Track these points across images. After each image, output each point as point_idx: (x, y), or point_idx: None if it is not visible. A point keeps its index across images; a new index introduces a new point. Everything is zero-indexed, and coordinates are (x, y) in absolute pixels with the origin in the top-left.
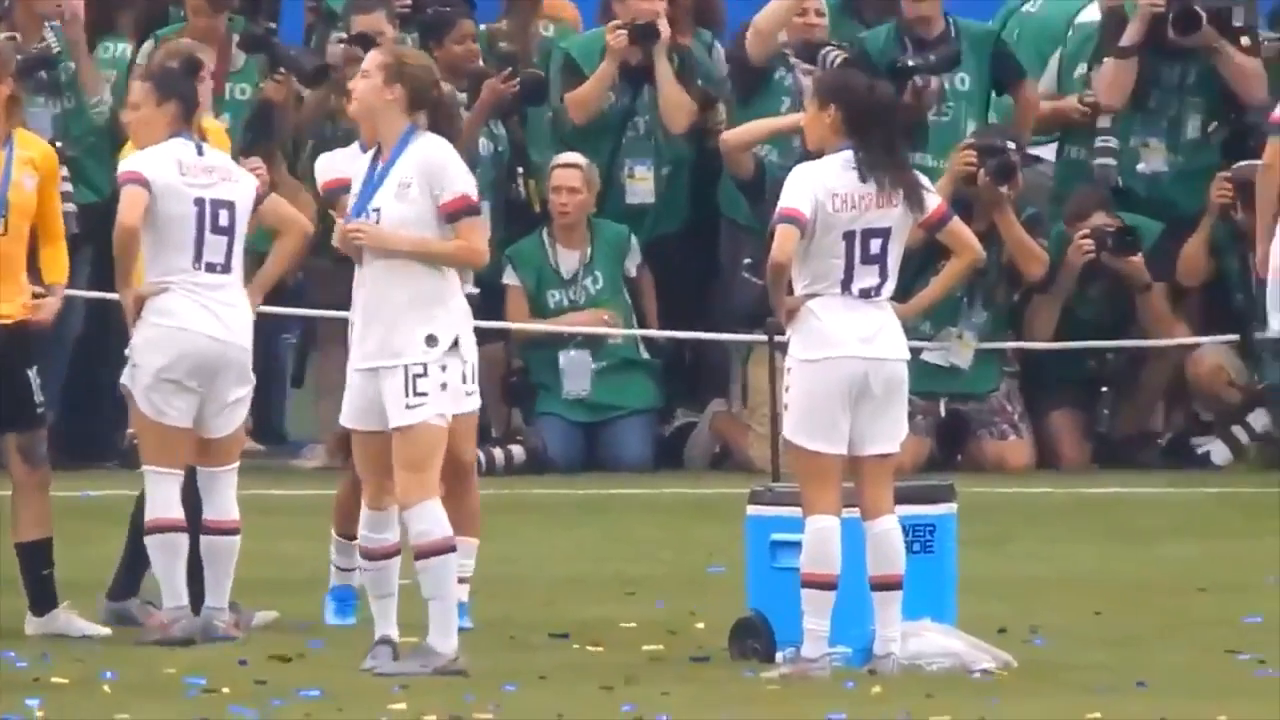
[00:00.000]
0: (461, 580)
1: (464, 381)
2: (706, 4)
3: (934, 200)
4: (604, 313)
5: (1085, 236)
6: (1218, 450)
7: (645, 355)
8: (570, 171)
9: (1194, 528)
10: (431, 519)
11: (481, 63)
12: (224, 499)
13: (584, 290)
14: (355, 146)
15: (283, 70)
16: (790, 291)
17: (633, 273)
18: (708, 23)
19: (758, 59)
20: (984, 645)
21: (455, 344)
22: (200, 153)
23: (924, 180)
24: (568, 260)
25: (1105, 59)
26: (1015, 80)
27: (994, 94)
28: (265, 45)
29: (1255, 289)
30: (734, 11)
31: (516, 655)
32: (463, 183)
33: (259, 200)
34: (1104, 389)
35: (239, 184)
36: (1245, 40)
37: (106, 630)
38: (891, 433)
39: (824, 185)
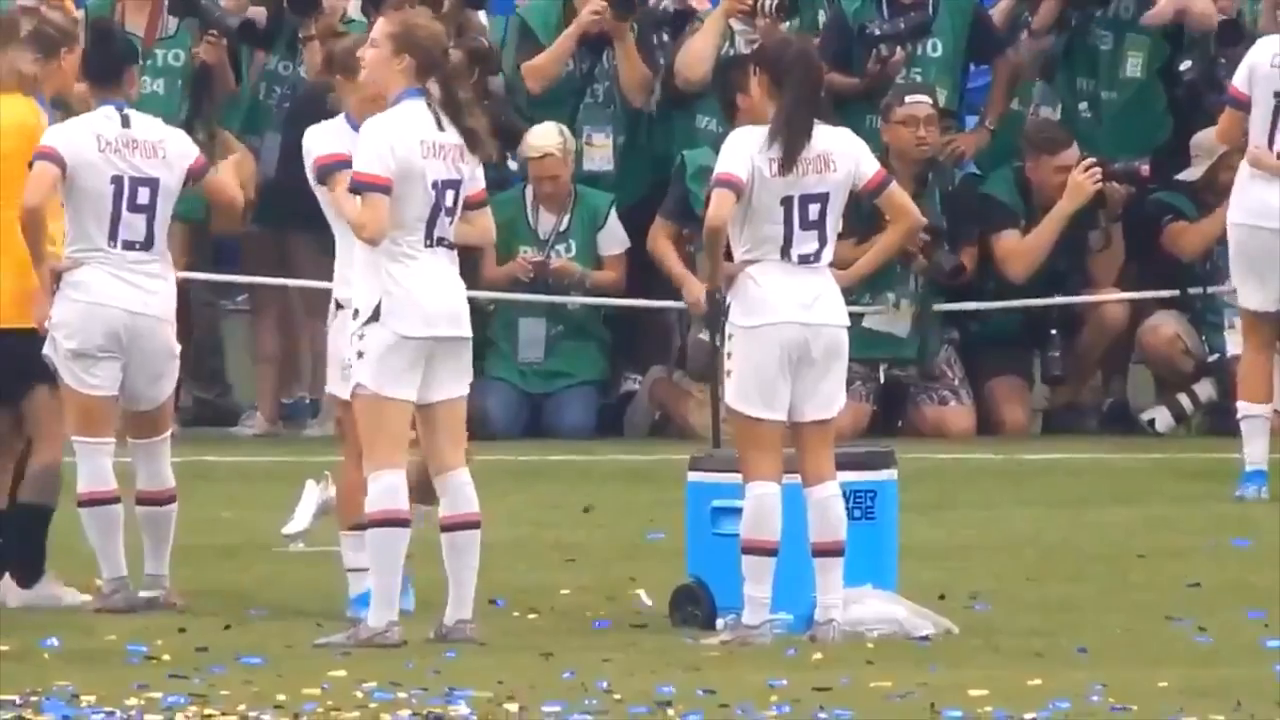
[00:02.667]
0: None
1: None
2: None
3: (871, 166)
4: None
5: (1091, 166)
6: (1162, 418)
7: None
8: (549, 160)
9: (1133, 494)
10: (374, 491)
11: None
12: (159, 468)
13: (555, 254)
14: (342, 120)
15: (214, 31)
16: (730, 258)
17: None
18: None
19: (690, 86)
20: (925, 611)
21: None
22: (126, 124)
23: (856, 146)
24: (546, 222)
25: None
26: (994, 51)
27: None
28: (194, 7)
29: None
30: None
31: None
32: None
33: (200, 174)
34: (1054, 331)
35: (166, 159)
36: None
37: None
38: (831, 398)
39: (761, 149)
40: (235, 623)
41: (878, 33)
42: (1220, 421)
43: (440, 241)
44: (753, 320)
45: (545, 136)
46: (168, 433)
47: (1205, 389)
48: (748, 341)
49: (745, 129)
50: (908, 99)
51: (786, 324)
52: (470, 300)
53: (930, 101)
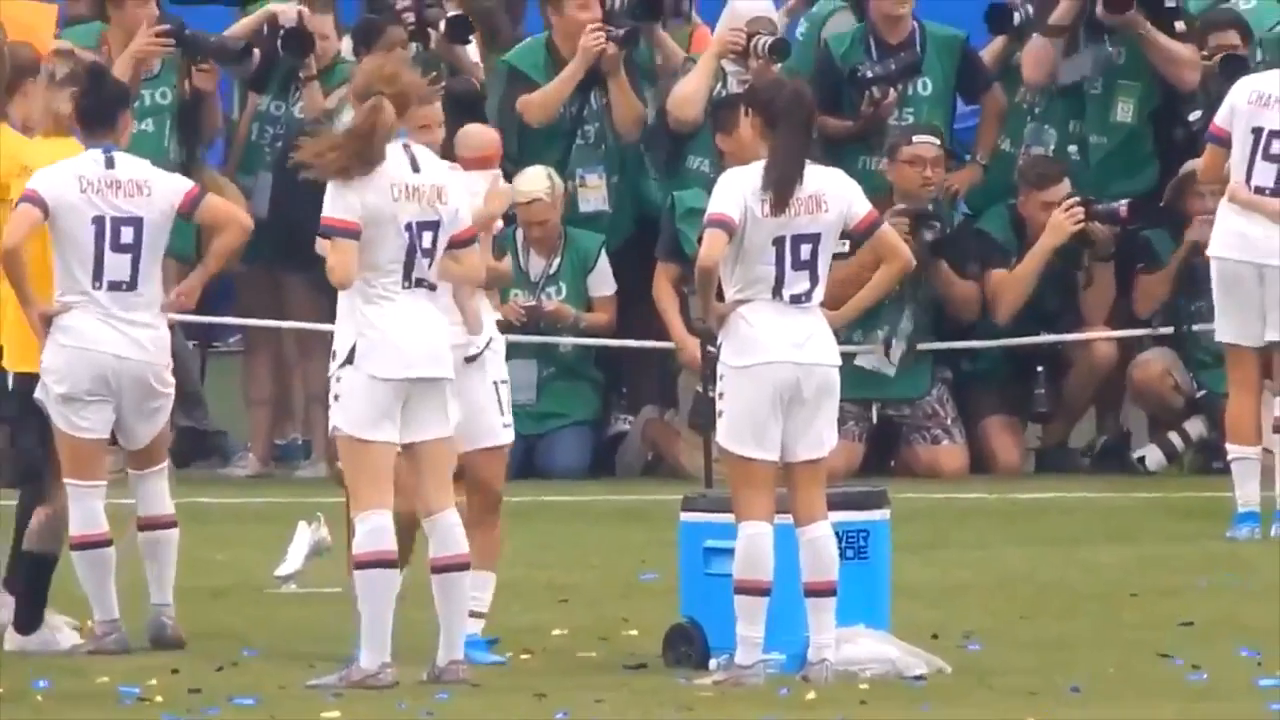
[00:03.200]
0: (475, 614)
1: (501, 413)
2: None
3: (863, 206)
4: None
5: (1074, 205)
6: (1153, 456)
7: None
8: (538, 206)
9: (1126, 533)
10: (361, 533)
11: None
12: (157, 497)
13: (546, 297)
14: None
15: (206, 60)
16: (721, 297)
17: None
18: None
19: (682, 126)
20: (918, 651)
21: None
22: (110, 165)
23: (848, 187)
24: (536, 265)
25: (1033, 35)
26: (983, 88)
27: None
28: (183, 38)
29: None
30: None
31: None
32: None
33: (194, 203)
34: (1039, 369)
35: (151, 198)
36: (1179, 25)
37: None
38: (822, 438)
39: (753, 190)
40: (228, 664)
41: (869, 75)
42: (1212, 458)
43: (420, 283)
44: (744, 360)
45: (533, 181)
46: (164, 462)
47: (1196, 426)
48: (739, 381)
49: (738, 169)
50: (915, 139)
51: (778, 364)
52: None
53: (938, 143)
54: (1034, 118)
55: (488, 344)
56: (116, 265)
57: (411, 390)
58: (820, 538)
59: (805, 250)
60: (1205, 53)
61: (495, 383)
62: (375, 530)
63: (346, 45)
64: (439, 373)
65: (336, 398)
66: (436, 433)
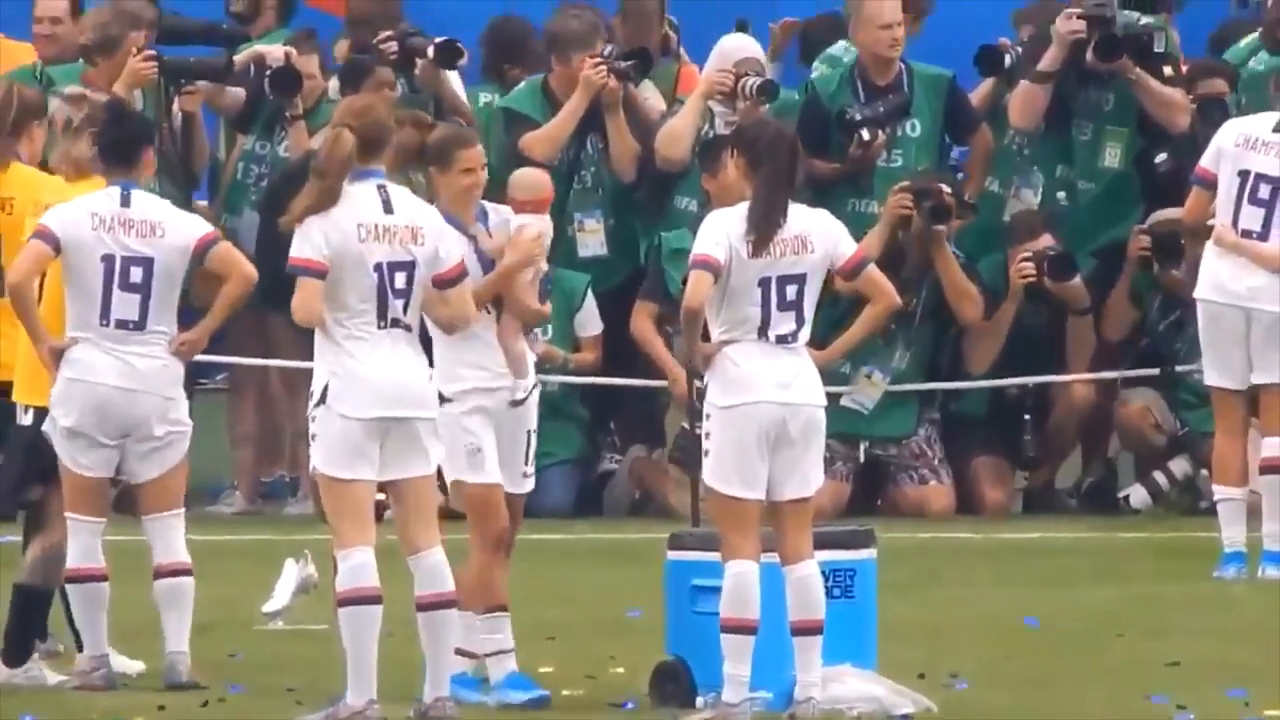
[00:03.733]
0: (503, 652)
1: (525, 462)
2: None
3: (849, 247)
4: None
5: (1025, 260)
6: (1137, 495)
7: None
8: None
9: (1113, 572)
10: (343, 570)
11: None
12: (173, 542)
13: (533, 337)
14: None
15: (190, 81)
16: (707, 338)
17: (592, 331)
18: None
19: (670, 166)
20: (904, 690)
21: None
22: (126, 203)
23: (833, 227)
24: None
25: (1020, 81)
26: (971, 128)
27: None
28: (164, 63)
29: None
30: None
31: None
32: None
33: (206, 247)
34: (1026, 416)
35: (164, 239)
36: (1167, 70)
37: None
38: (809, 478)
39: (738, 231)
40: (214, 700)
41: (857, 117)
42: (1198, 498)
43: (395, 324)
44: (731, 400)
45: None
46: (179, 509)
47: (1181, 465)
48: (726, 421)
49: (723, 211)
50: None
51: (764, 404)
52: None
53: (949, 189)
54: (1022, 159)
55: (534, 388)
56: (124, 304)
57: (389, 428)
58: (807, 576)
59: (791, 291)
60: (1191, 98)
61: (528, 431)
62: (357, 567)
63: (334, 86)
64: (416, 413)
65: (314, 437)
66: (416, 471)
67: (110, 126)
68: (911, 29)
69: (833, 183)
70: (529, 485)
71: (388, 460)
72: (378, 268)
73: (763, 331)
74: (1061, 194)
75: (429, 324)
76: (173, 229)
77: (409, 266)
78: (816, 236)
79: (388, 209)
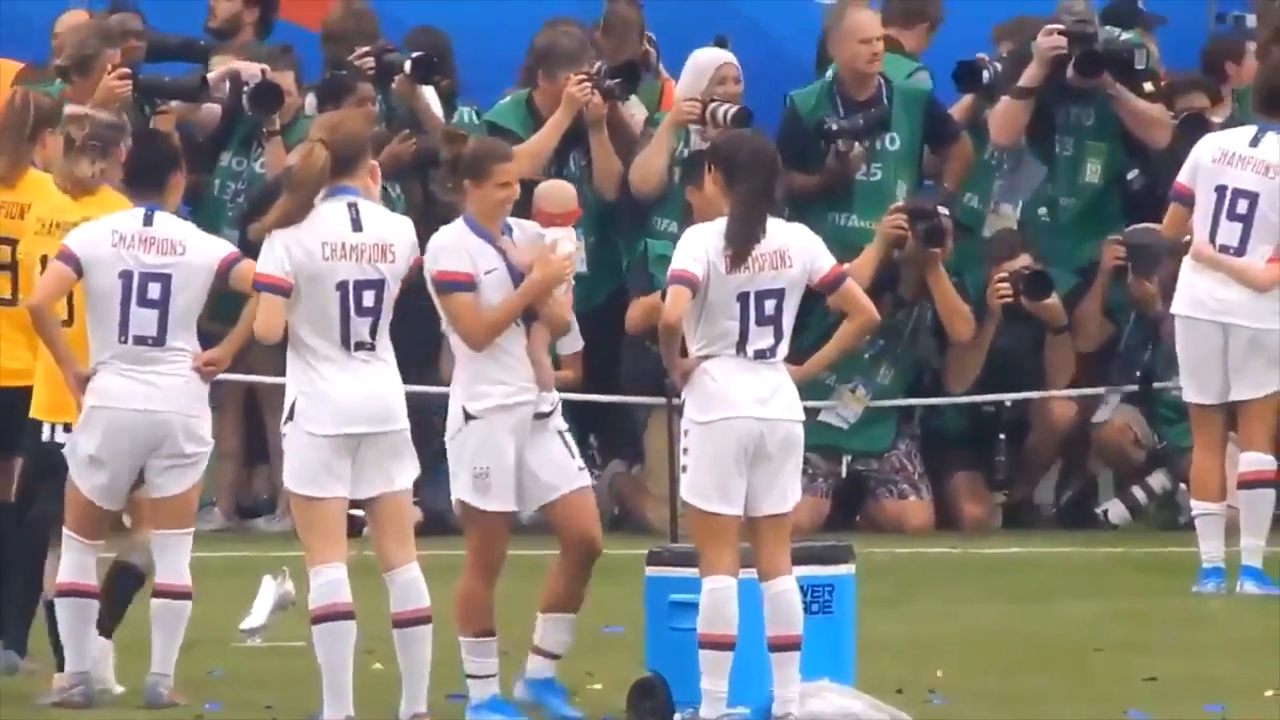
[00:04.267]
0: (552, 655)
1: (574, 456)
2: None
3: (827, 261)
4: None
5: (1002, 280)
6: (1115, 510)
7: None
8: None
9: (1092, 587)
10: (315, 587)
11: (385, 126)
12: (178, 562)
13: None
14: (462, 224)
15: (164, 101)
16: (685, 353)
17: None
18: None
19: (644, 197)
20: (883, 705)
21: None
22: (148, 222)
23: (811, 242)
24: None
25: (1001, 98)
26: (951, 139)
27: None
28: (138, 82)
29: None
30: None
31: None
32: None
33: (229, 266)
34: (1001, 436)
35: (184, 257)
36: (1148, 86)
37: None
38: (786, 493)
39: (716, 245)
40: (192, 717)
41: (835, 128)
42: (1177, 513)
43: (360, 346)
44: (708, 415)
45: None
46: (190, 529)
47: (1159, 479)
48: (704, 436)
49: (701, 225)
50: None
51: (742, 419)
52: (429, 397)
53: (946, 212)
54: (1002, 174)
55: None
56: (142, 320)
57: (360, 444)
58: (784, 592)
59: (769, 305)
60: (1173, 114)
61: (560, 432)
62: (329, 584)
63: (310, 102)
64: (385, 427)
65: (285, 454)
66: (388, 487)
67: (139, 151)
68: (921, 43)
69: (812, 196)
70: (586, 478)
71: (361, 476)
72: (341, 286)
73: (741, 346)
74: (1043, 210)
75: (451, 342)
76: (194, 248)
77: (378, 285)
78: (795, 251)
79: (357, 227)
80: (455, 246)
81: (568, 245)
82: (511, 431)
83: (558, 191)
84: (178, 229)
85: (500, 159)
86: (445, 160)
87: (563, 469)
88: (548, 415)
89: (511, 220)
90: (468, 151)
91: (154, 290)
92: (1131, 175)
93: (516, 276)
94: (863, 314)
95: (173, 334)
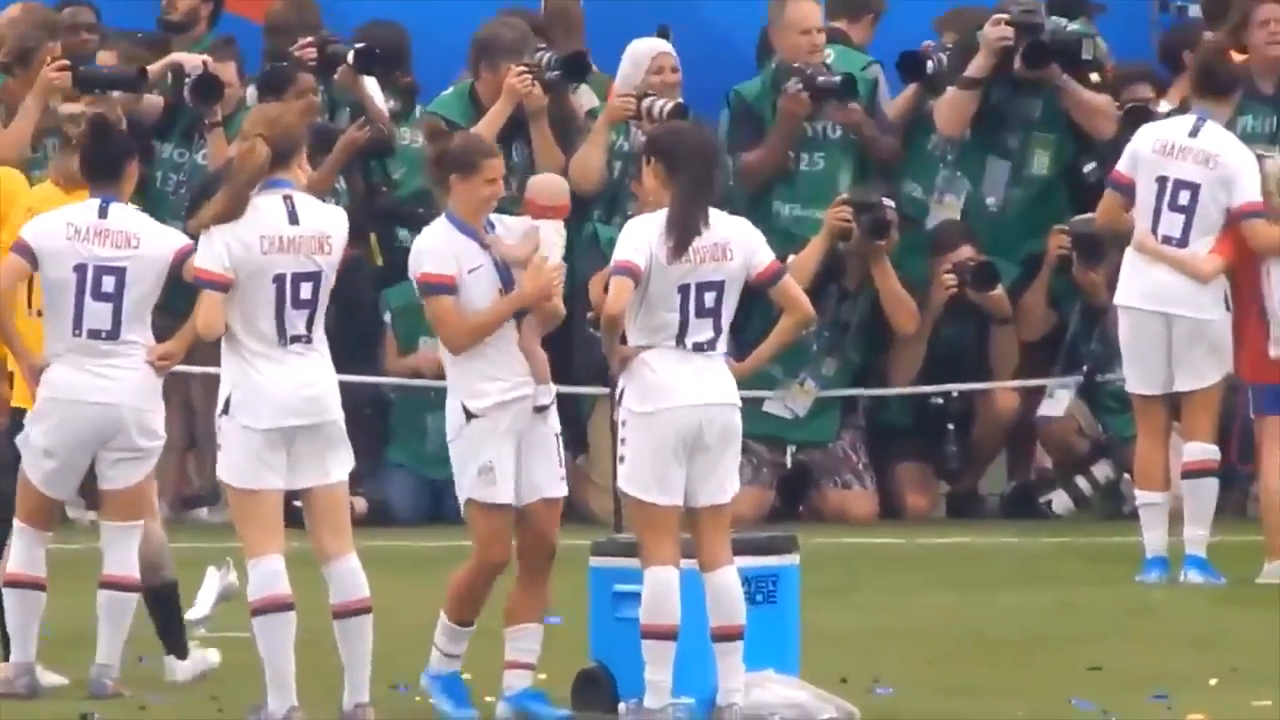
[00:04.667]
0: (525, 666)
1: (560, 465)
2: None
3: (766, 255)
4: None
5: (948, 272)
6: (1059, 500)
7: None
8: None
9: (1037, 577)
10: (254, 579)
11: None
12: (127, 555)
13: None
14: (445, 221)
15: (104, 92)
16: (624, 342)
17: None
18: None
19: (585, 191)
20: (828, 695)
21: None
22: (103, 214)
23: (753, 236)
24: None
25: (948, 88)
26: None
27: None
28: (77, 75)
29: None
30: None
31: None
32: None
33: (184, 259)
34: (950, 426)
35: (139, 250)
36: (1095, 76)
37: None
38: (724, 485)
39: (658, 237)
40: (136, 709)
41: (810, 73)
42: (1121, 503)
43: (296, 339)
44: (647, 406)
45: None
46: (139, 522)
47: (1103, 469)
48: (642, 427)
49: (643, 216)
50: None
51: (681, 409)
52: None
53: (891, 203)
54: (946, 165)
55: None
56: (96, 314)
57: (296, 436)
58: (726, 583)
59: (709, 298)
60: (1118, 104)
61: (556, 435)
62: (267, 575)
63: (251, 93)
64: (319, 418)
65: (220, 447)
66: (323, 479)
67: (93, 142)
68: (867, 35)
69: (764, 169)
70: (564, 489)
71: (296, 469)
72: (278, 279)
73: (680, 338)
74: (991, 200)
75: (440, 346)
76: (149, 241)
77: (315, 277)
78: (736, 245)
79: (293, 219)
80: (439, 248)
81: (557, 237)
82: (511, 427)
83: (552, 184)
84: (132, 221)
85: (489, 154)
86: (431, 155)
87: (550, 474)
88: (545, 409)
89: (494, 217)
90: (456, 146)
91: (108, 283)
92: (1089, 168)
93: (502, 272)
94: (800, 311)
95: (127, 327)
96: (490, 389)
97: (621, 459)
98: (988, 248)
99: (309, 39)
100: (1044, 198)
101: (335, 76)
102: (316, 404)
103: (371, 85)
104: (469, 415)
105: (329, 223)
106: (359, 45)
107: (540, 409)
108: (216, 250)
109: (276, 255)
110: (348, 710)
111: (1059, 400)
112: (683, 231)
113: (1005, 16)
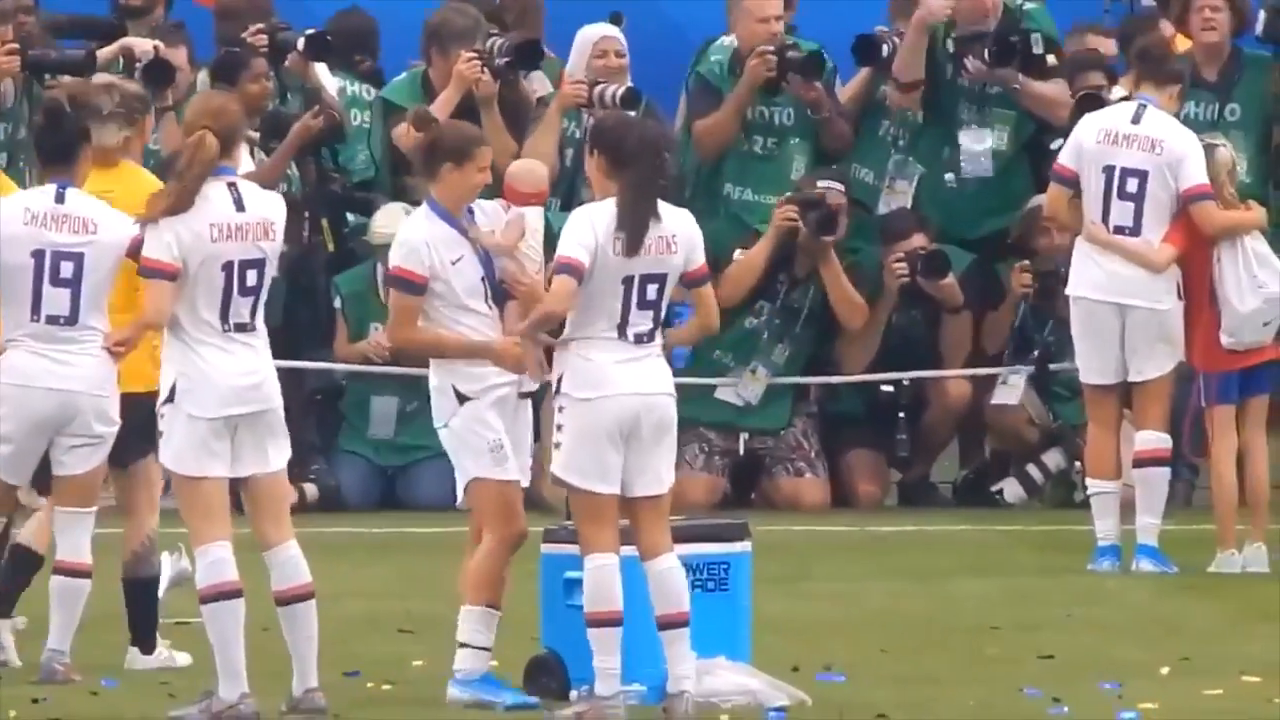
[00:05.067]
0: (480, 648)
1: (528, 455)
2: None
3: (700, 256)
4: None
5: (898, 261)
6: (1010, 489)
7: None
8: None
9: (988, 566)
10: (201, 567)
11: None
12: (80, 541)
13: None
14: (429, 210)
15: (54, 76)
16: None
17: None
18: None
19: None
20: (779, 683)
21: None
22: (60, 200)
23: (695, 233)
24: None
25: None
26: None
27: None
28: (26, 59)
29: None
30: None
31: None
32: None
33: (140, 244)
34: (900, 414)
35: (97, 235)
36: (1050, 59)
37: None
38: (660, 476)
39: (606, 229)
40: (88, 694)
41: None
42: (1072, 491)
43: (241, 328)
44: (586, 394)
45: (391, 218)
46: (94, 508)
47: (1054, 457)
48: (581, 414)
49: (589, 207)
50: (820, 184)
51: (619, 397)
52: (324, 375)
53: (842, 189)
54: (898, 150)
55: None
56: (55, 299)
57: (239, 424)
58: (667, 570)
59: (651, 290)
60: (1071, 92)
61: (529, 424)
62: (215, 563)
63: (203, 79)
64: (262, 405)
65: (162, 435)
66: (264, 467)
67: (47, 126)
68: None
69: (717, 133)
70: (528, 479)
71: (238, 456)
72: (227, 267)
73: (622, 329)
74: (950, 175)
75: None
76: (106, 227)
77: (260, 264)
78: (681, 239)
79: (240, 206)
80: (418, 247)
81: (539, 224)
82: (500, 408)
83: (534, 171)
84: (89, 207)
85: (481, 141)
86: (423, 143)
87: (523, 463)
88: (529, 396)
89: (472, 204)
90: (450, 134)
91: (66, 269)
92: (1056, 144)
93: (485, 261)
94: (710, 318)
95: (85, 313)
96: (484, 372)
97: (557, 445)
98: (947, 226)
99: (260, 25)
100: (1004, 176)
101: (286, 63)
102: (260, 392)
103: (323, 72)
104: (462, 398)
105: (272, 209)
106: (310, 32)
107: (526, 395)
108: (166, 240)
109: (225, 243)
110: (297, 695)
111: (1013, 388)
112: (633, 231)
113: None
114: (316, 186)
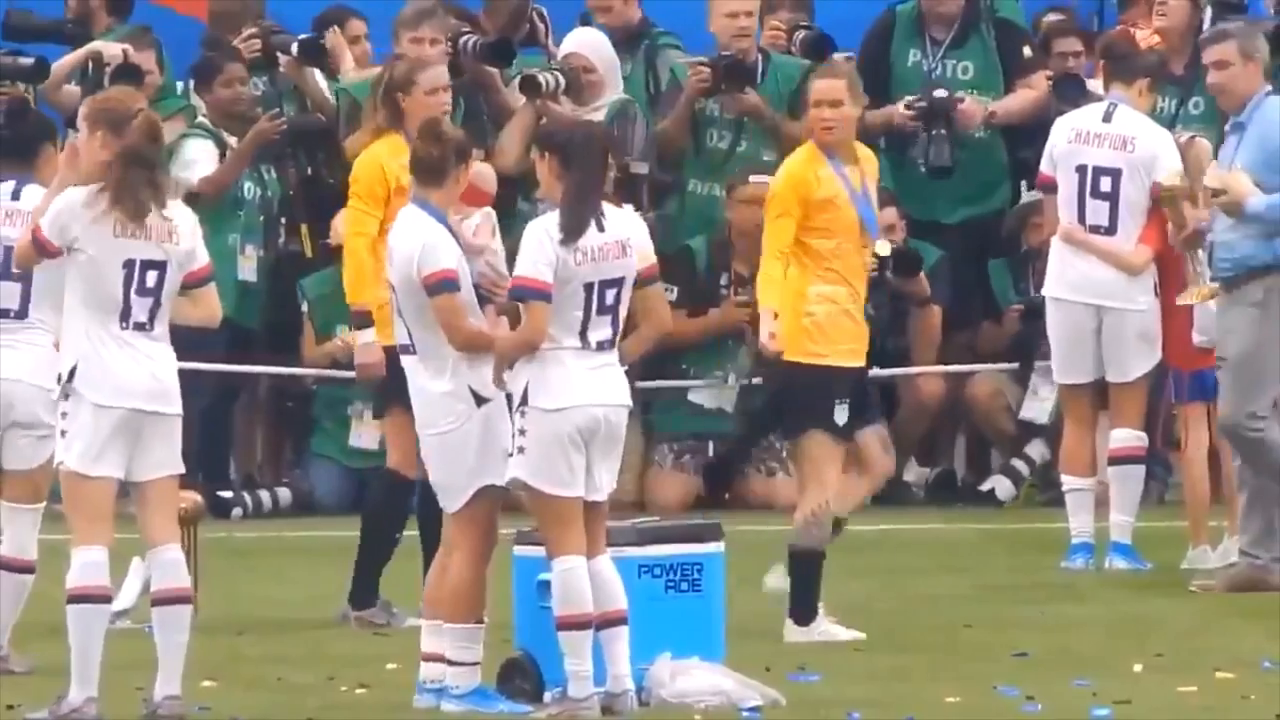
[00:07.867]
0: (470, 664)
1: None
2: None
3: (651, 255)
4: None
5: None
6: (1001, 487)
7: None
8: None
9: (962, 564)
10: (77, 565)
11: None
12: (23, 536)
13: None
14: (424, 213)
15: (12, 83)
16: None
17: None
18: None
19: (504, 172)
20: (752, 683)
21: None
22: (15, 197)
23: (644, 233)
24: None
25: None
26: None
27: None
28: None
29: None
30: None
31: (283, 697)
32: None
33: None
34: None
35: None
36: (1026, 51)
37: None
38: (603, 483)
39: (559, 240)
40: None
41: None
42: (1049, 488)
43: (140, 327)
44: (550, 403)
45: None
46: (40, 504)
47: (1037, 448)
48: (546, 421)
49: (540, 222)
50: (753, 179)
51: (583, 407)
52: (294, 379)
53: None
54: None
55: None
56: (6, 293)
57: (143, 426)
58: (602, 571)
59: (610, 295)
60: (1049, 72)
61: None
62: (88, 565)
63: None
64: (163, 408)
65: (64, 433)
66: (163, 471)
67: (8, 123)
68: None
69: (669, 137)
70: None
71: (138, 459)
72: (127, 265)
73: (583, 336)
74: (920, 159)
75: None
76: None
77: (161, 266)
78: (634, 242)
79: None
80: (441, 242)
81: (494, 224)
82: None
83: (489, 172)
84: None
85: (472, 146)
86: (444, 146)
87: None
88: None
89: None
90: (460, 136)
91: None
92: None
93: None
94: (661, 321)
95: (35, 307)
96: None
97: (521, 450)
98: (921, 211)
99: (253, 29)
100: (983, 160)
101: (280, 68)
102: (164, 393)
103: (317, 75)
104: (480, 400)
105: (179, 214)
106: (303, 36)
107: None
108: (65, 222)
109: (128, 240)
110: (156, 700)
111: (1043, 401)
112: (572, 229)
113: None
114: (301, 190)
